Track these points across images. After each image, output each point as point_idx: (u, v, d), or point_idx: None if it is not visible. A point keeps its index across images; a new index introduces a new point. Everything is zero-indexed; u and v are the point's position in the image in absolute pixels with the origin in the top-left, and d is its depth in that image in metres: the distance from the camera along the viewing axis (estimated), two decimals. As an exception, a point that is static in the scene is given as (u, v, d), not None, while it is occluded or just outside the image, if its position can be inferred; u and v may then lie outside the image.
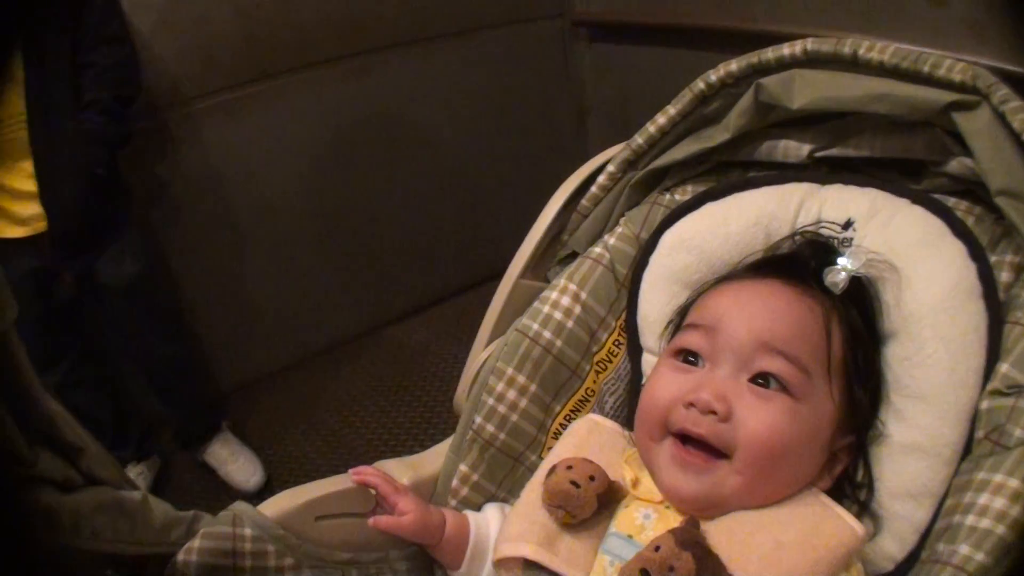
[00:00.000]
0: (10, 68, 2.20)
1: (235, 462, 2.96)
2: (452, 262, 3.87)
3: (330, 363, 3.56)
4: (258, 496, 2.83)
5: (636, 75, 3.55)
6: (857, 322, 1.06)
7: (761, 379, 0.98)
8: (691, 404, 0.98)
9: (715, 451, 0.96)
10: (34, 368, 2.43)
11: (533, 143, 3.88)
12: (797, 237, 1.17)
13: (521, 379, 1.24)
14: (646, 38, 3.44)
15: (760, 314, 1.03)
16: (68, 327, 2.65)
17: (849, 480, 1.04)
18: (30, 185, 2.36)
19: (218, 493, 2.88)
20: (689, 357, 1.05)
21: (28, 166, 2.35)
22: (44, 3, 2.19)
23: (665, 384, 1.04)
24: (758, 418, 0.95)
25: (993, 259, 1.07)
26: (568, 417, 1.28)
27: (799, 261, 1.11)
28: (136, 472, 2.85)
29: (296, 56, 3.14)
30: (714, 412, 0.96)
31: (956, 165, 1.12)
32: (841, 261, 1.07)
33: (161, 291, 2.91)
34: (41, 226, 2.41)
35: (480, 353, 1.33)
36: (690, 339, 1.06)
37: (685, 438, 0.98)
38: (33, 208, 2.39)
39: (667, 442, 1.01)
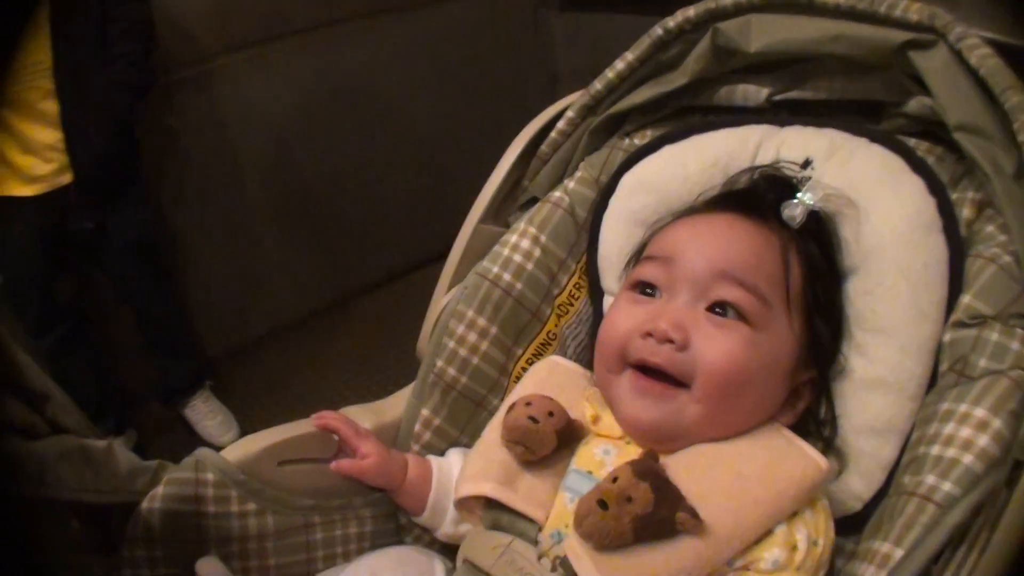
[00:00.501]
0: (36, 16, 2.25)
1: (213, 418, 3.05)
2: (423, 231, 3.79)
3: (303, 334, 3.58)
4: None
5: (607, 42, 3.47)
6: (816, 256, 1.06)
7: (719, 308, 0.98)
8: (648, 334, 0.98)
9: (674, 381, 0.96)
10: (29, 331, 2.45)
11: (504, 112, 3.81)
12: (756, 173, 1.17)
13: (482, 322, 1.24)
14: (616, 5, 3.43)
15: (717, 244, 1.03)
16: (69, 293, 2.71)
17: (813, 417, 1.05)
18: (48, 136, 2.43)
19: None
20: (647, 289, 1.05)
21: (49, 115, 2.41)
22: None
23: (623, 316, 1.04)
24: (716, 346, 0.95)
25: (955, 196, 1.08)
26: (530, 360, 1.28)
27: (756, 195, 1.11)
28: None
29: (266, 28, 3.15)
30: (671, 341, 0.96)
31: (915, 105, 1.12)
32: (799, 195, 1.07)
33: (159, 247, 2.94)
34: (55, 183, 2.47)
35: (441, 298, 1.32)
36: (647, 271, 1.06)
37: (645, 369, 0.98)
38: (45, 166, 2.45)
39: (626, 374, 1.00)
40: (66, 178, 2.48)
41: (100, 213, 2.58)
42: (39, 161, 2.44)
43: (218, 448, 2.76)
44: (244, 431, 2.92)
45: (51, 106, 2.40)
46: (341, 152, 3.49)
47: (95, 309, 2.88)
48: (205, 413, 3.04)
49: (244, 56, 3.12)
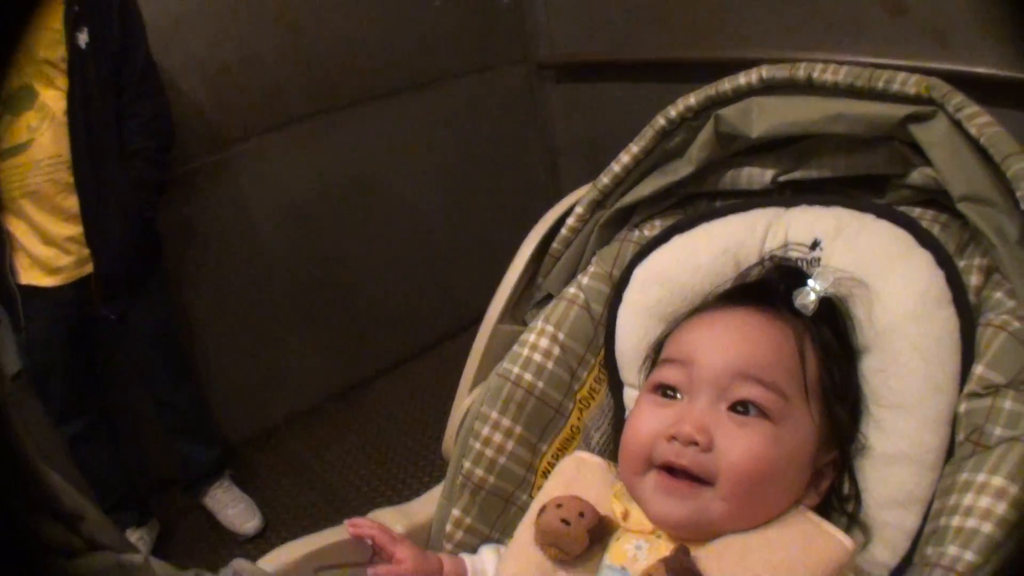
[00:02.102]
0: (54, 110, 2.36)
1: (235, 507, 3.03)
2: (433, 313, 3.90)
3: (321, 418, 3.60)
4: (253, 543, 2.95)
5: (605, 112, 3.59)
6: (830, 340, 1.07)
7: (740, 406, 1.00)
8: (673, 437, 0.99)
9: (698, 479, 0.97)
10: (53, 419, 2.48)
11: (506, 188, 3.92)
12: (766, 263, 1.19)
13: (506, 422, 1.27)
14: (612, 75, 3.50)
15: (733, 343, 1.04)
16: (92, 381, 2.72)
17: (836, 494, 1.06)
18: (68, 229, 2.46)
19: (216, 547, 2.95)
20: (668, 391, 1.06)
21: (68, 208, 2.44)
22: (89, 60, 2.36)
23: (646, 419, 1.05)
24: (738, 446, 0.97)
25: (962, 264, 1.10)
26: (555, 455, 1.30)
27: (768, 287, 1.13)
28: (136, 537, 2.88)
29: (268, 117, 3.20)
30: (696, 443, 0.97)
31: (918, 176, 1.15)
32: (809, 283, 1.09)
33: (178, 338, 2.98)
34: (76, 274, 2.50)
35: (464, 399, 1.35)
36: (667, 374, 1.07)
37: (670, 469, 1.00)
38: (66, 257, 2.48)
39: (651, 473, 1.02)
40: (88, 268, 2.51)
41: (122, 304, 2.61)
42: (60, 253, 2.47)
43: (240, 536, 2.81)
44: (266, 516, 3.01)
45: (70, 200, 2.43)
46: (349, 237, 3.54)
47: (117, 397, 2.91)
48: (226, 502, 3.04)
49: (254, 145, 3.19)
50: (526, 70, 3.84)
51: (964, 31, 2.20)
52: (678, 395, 1.05)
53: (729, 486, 0.96)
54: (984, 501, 0.92)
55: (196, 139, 3.01)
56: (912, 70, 2.12)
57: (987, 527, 0.90)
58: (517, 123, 3.91)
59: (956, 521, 0.93)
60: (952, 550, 0.92)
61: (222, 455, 3.11)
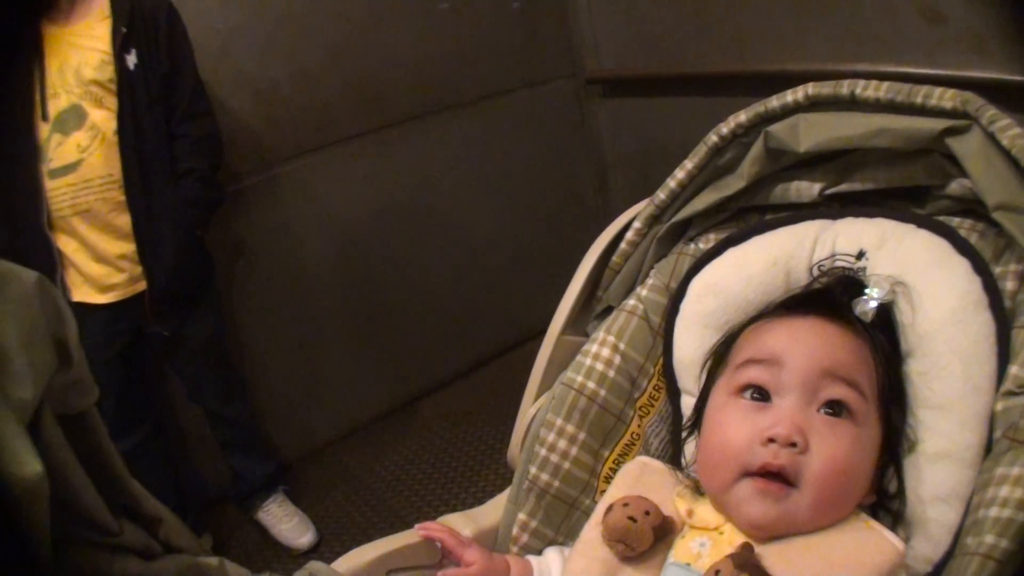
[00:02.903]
0: (104, 131, 2.39)
1: (289, 522, 3.04)
2: (488, 327, 3.90)
3: (375, 434, 3.62)
4: (307, 558, 2.91)
5: (653, 126, 3.61)
6: (887, 346, 1.12)
7: (830, 407, 1.04)
8: (771, 440, 1.02)
9: (786, 480, 1.01)
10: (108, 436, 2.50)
11: (555, 203, 3.93)
12: (825, 277, 1.23)
13: (570, 429, 1.31)
14: (659, 89, 3.52)
15: (819, 345, 1.08)
16: (145, 397, 2.78)
17: (884, 492, 1.10)
18: (120, 247, 2.49)
19: (270, 562, 2.96)
20: (755, 394, 1.09)
21: (121, 227, 2.47)
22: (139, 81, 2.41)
23: (737, 424, 1.08)
24: (831, 448, 1.01)
25: (998, 270, 1.14)
26: (617, 461, 1.34)
27: (831, 295, 1.17)
28: (190, 551, 2.90)
29: (317, 136, 3.23)
30: (794, 444, 1.01)
31: (956, 187, 1.20)
32: (867, 291, 1.14)
33: (229, 353, 3.02)
34: (129, 291, 2.53)
35: (529, 408, 1.40)
36: (753, 374, 1.10)
37: (764, 473, 1.03)
38: (119, 275, 2.51)
39: (745, 481, 1.04)
40: (140, 286, 2.54)
41: (175, 321, 2.65)
42: (112, 271, 2.50)
43: (294, 551, 2.82)
44: (320, 531, 3.03)
45: (123, 218, 2.46)
46: (398, 254, 3.55)
47: (171, 413, 2.98)
48: (280, 517, 3.05)
49: (303, 164, 3.21)
50: (574, 85, 3.85)
51: (1003, 39, 2.21)
52: (769, 396, 1.08)
53: (818, 488, 1.00)
54: (1019, 492, 0.96)
55: (246, 157, 3.06)
56: (952, 79, 2.16)
57: (1022, 516, 0.95)
58: (566, 138, 3.92)
59: (993, 512, 0.97)
60: (989, 539, 0.95)
61: (276, 470, 3.14)
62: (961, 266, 1.14)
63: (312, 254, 3.33)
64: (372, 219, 3.44)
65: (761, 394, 1.09)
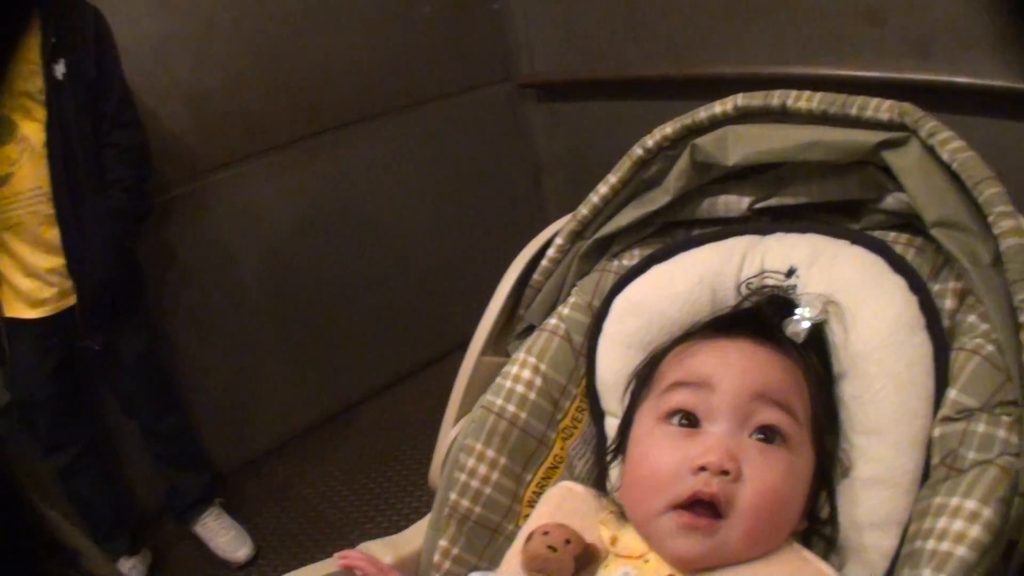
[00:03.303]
0: (33, 143, 2.36)
1: (226, 535, 3.04)
2: (424, 332, 3.89)
3: (311, 444, 3.61)
4: (245, 571, 2.99)
5: (587, 130, 3.61)
6: (819, 368, 1.09)
7: (762, 433, 1.00)
8: (701, 468, 0.97)
9: (716, 511, 0.96)
10: (41, 451, 2.49)
11: (490, 208, 3.93)
12: (754, 296, 1.20)
13: (490, 453, 1.28)
14: (593, 93, 3.52)
15: (750, 368, 1.04)
16: (79, 412, 2.73)
17: (816, 518, 1.07)
18: (49, 261, 2.46)
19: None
20: (683, 419, 1.04)
21: (50, 240, 2.44)
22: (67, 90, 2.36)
23: (666, 452, 1.03)
24: (763, 475, 0.97)
25: (936, 287, 1.11)
26: (540, 484, 1.31)
27: (761, 316, 1.14)
28: (129, 565, 2.88)
29: (248, 143, 3.20)
30: (726, 472, 0.96)
31: (892, 201, 1.17)
32: (799, 311, 1.11)
33: (161, 368, 2.99)
34: (60, 305, 2.50)
35: (449, 431, 1.37)
36: (683, 398, 1.05)
37: (690, 504, 0.98)
38: (49, 289, 2.48)
39: (671, 514, 0.98)
40: (71, 300, 2.51)
41: (106, 334, 2.61)
42: (43, 285, 2.48)
43: (232, 564, 2.83)
44: (257, 543, 3.03)
45: (52, 231, 2.43)
46: (333, 260, 3.53)
47: (105, 427, 2.93)
48: (217, 530, 3.04)
49: (235, 172, 3.19)
50: (508, 89, 3.85)
51: (944, 41, 2.22)
52: (698, 422, 1.03)
53: (750, 518, 0.96)
54: (958, 524, 0.93)
55: (178, 166, 3.02)
56: (893, 82, 2.15)
57: (961, 550, 0.92)
58: (500, 143, 3.92)
59: (931, 544, 0.94)
60: (927, 573, 0.93)
61: (211, 482, 3.12)
62: (896, 284, 1.11)
63: (245, 263, 3.31)
64: (305, 227, 3.41)
65: (690, 419, 1.04)
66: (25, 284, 2.46)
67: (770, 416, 1.00)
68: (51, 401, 2.58)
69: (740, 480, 0.97)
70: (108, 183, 2.51)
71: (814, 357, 1.09)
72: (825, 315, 1.11)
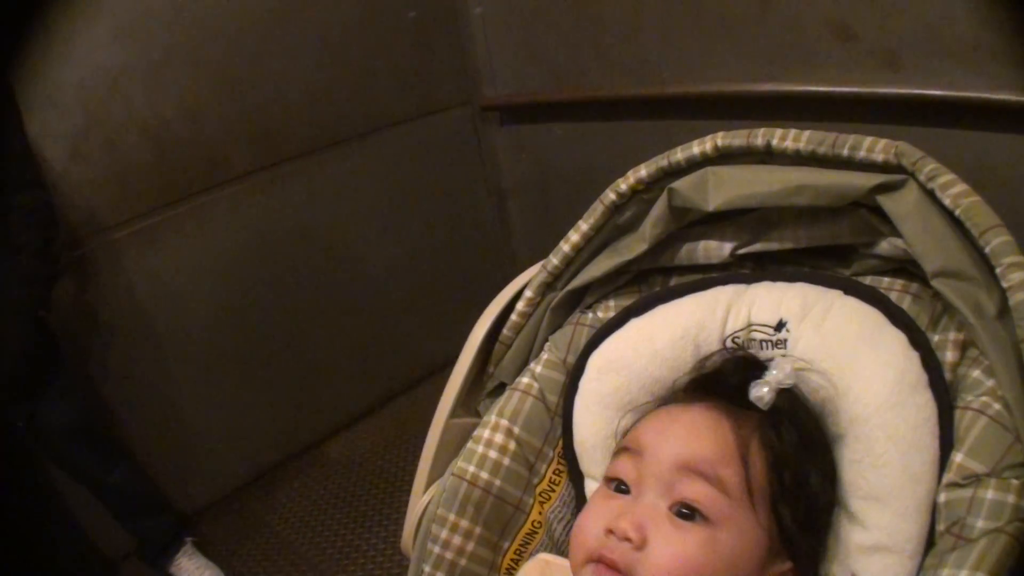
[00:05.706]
0: None
1: (200, 574, 2.99)
2: (392, 362, 3.87)
3: (282, 478, 3.57)
4: None
5: (552, 152, 3.57)
6: (786, 439, 1.03)
7: (684, 509, 0.97)
8: (610, 531, 0.97)
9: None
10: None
11: (455, 233, 3.90)
12: (724, 351, 1.15)
13: (464, 523, 1.22)
14: (557, 115, 3.47)
15: (683, 436, 1.02)
16: (25, 486, 2.69)
17: None
18: None
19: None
20: (620, 486, 1.04)
21: None
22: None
23: (594, 513, 1.04)
24: (669, 550, 0.94)
25: (936, 338, 1.05)
26: (518, 551, 1.25)
27: (723, 380, 1.09)
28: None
29: (208, 175, 3.14)
30: (629, 540, 0.95)
31: (887, 246, 1.12)
32: (766, 375, 1.04)
33: (99, 424, 2.89)
34: None
35: (419, 498, 1.30)
36: (619, 466, 1.06)
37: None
38: None
39: (588, 566, 0.99)
40: None
41: (26, 409, 2.53)
42: None
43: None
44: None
45: None
46: (296, 292, 3.48)
47: (62, 483, 2.83)
48: (191, 570, 3.00)
49: (193, 204, 3.13)
50: (470, 112, 3.81)
51: (915, 54, 2.19)
52: (629, 489, 1.03)
53: None
54: None
55: (133, 198, 2.96)
56: (864, 96, 2.11)
57: None
58: (463, 167, 3.88)
59: None
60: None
61: (177, 522, 3.07)
62: (897, 340, 1.05)
63: (205, 298, 3.24)
64: (266, 258, 3.35)
65: (624, 486, 1.04)
66: None
67: (691, 490, 0.98)
68: None
69: (644, 549, 0.95)
70: (15, 248, 2.39)
71: (788, 425, 1.03)
72: (792, 380, 1.05)
